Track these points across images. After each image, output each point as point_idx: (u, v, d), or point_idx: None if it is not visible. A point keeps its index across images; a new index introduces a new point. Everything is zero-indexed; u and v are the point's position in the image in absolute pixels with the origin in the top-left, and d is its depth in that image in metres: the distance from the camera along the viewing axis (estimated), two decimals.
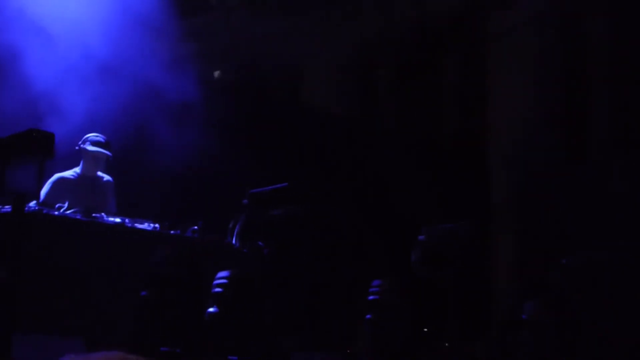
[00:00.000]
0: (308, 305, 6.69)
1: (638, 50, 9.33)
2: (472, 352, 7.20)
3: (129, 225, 5.86)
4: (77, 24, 6.83)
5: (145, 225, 5.93)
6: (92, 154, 6.40)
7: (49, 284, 5.40)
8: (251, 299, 5.60)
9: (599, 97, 9.72)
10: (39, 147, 5.71)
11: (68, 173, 6.45)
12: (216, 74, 8.65)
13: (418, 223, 6.68)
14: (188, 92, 7.30)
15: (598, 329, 6.34)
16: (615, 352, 6.22)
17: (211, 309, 5.53)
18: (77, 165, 6.48)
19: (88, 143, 6.41)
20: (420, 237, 6.51)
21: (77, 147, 6.43)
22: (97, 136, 6.45)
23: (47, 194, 6.21)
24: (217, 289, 5.55)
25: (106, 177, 6.55)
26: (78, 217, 5.70)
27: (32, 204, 5.59)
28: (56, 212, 5.66)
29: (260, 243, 6.26)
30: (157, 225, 5.96)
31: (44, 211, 5.59)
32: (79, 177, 6.44)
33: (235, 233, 6.24)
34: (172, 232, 6.01)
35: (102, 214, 5.86)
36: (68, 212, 5.71)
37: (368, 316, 6.21)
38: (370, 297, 6.23)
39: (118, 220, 5.87)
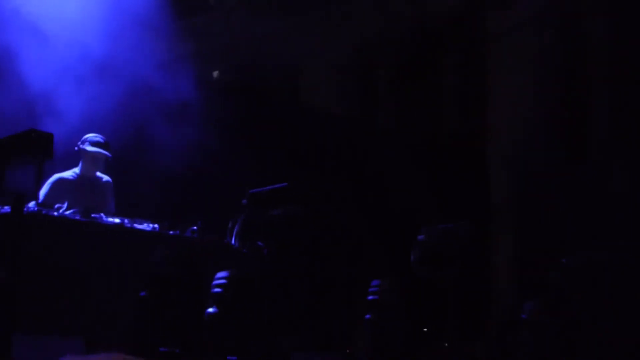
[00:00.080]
0: (308, 305, 6.68)
1: (638, 50, 9.33)
2: (472, 352, 7.21)
3: (128, 225, 5.85)
4: (75, 24, 6.83)
5: (144, 226, 5.93)
6: (92, 155, 6.40)
7: (49, 284, 5.39)
8: (251, 299, 5.61)
9: (599, 97, 9.72)
10: (38, 148, 5.72)
11: (67, 173, 6.44)
12: (215, 74, 8.65)
13: (418, 223, 6.68)
14: (187, 92, 7.30)
15: (598, 329, 6.34)
16: (615, 352, 6.22)
17: (211, 309, 5.53)
18: (75, 165, 6.47)
19: (87, 143, 6.41)
20: (420, 237, 6.52)
21: (76, 148, 6.42)
22: (96, 136, 6.45)
23: (47, 195, 6.21)
24: (217, 289, 5.56)
25: (105, 178, 6.55)
26: (77, 217, 5.70)
27: (32, 204, 5.59)
28: (55, 213, 5.66)
29: (259, 243, 6.26)
30: (156, 225, 5.96)
31: (43, 212, 5.59)
32: (78, 177, 6.43)
33: (234, 233, 6.24)
34: (171, 232, 6.00)
35: (101, 214, 5.86)
36: (67, 212, 5.71)
37: (368, 316, 6.21)
38: (370, 297, 6.24)
39: (117, 220, 5.86)
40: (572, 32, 9.86)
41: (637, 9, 9.29)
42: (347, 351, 6.61)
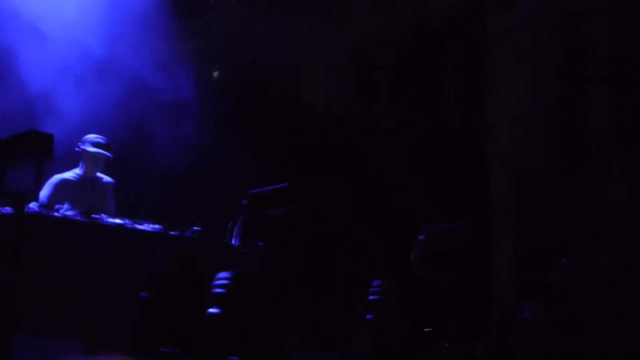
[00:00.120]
0: (308, 305, 6.68)
1: (638, 50, 9.32)
2: (472, 352, 7.21)
3: (129, 226, 5.86)
4: (74, 24, 6.83)
5: (145, 226, 5.93)
6: (92, 155, 6.40)
7: (49, 285, 5.42)
8: (251, 300, 5.61)
9: (599, 97, 9.72)
10: (38, 148, 5.73)
11: (68, 174, 6.44)
12: (215, 74, 8.65)
13: (418, 223, 6.68)
14: (187, 92, 7.31)
15: (598, 329, 6.34)
16: (615, 352, 6.21)
17: (211, 309, 5.54)
18: (75, 166, 6.47)
19: (88, 144, 6.41)
20: (420, 237, 6.52)
21: (76, 149, 6.43)
22: (96, 137, 6.45)
23: (49, 196, 6.21)
24: (218, 290, 5.57)
25: (106, 178, 6.55)
26: (78, 218, 5.71)
27: (32, 205, 5.60)
28: (56, 214, 5.66)
29: (260, 243, 6.26)
30: (157, 226, 5.96)
31: (44, 212, 5.60)
32: (79, 178, 6.43)
33: (235, 233, 6.24)
34: (171, 232, 6.00)
35: (102, 215, 5.87)
36: (68, 213, 5.71)
37: (369, 316, 6.22)
38: (371, 297, 6.24)
39: (118, 221, 5.87)
40: (573, 32, 9.86)
41: (637, 9, 9.29)
42: (347, 351, 6.61)
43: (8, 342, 4.86)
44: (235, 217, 6.30)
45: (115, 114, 6.97)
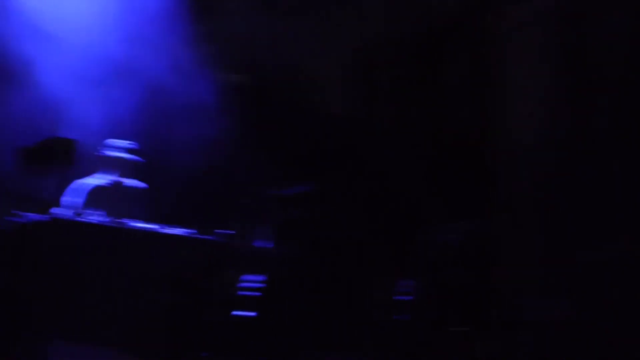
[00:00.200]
0: (335, 306, 6.69)
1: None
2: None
3: (159, 230, 5.91)
4: (92, 28, 6.86)
5: (175, 230, 5.98)
6: (118, 161, 6.44)
7: (79, 291, 5.48)
8: (279, 302, 5.69)
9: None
10: (61, 154, 5.83)
11: (97, 180, 6.49)
12: (234, 76, 8.66)
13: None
14: (206, 94, 7.32)
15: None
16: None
17: (241, 312, 5.61)
18: (96, 171, 6.51)
19: (114, 149, 6.45)
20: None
21: (101, 153, 6.47)
22: (122, 142, 6.50)
23: (76, 201, 6.24)
24: (247, 292, 5.63)
25: (135, 183, 6.60)
26: (107, 223, 5.77)
27: (56, 210, 5.67)
28: (84, 219, 5.72)
29: (287, 244, 6.30)
30: (187, 230, 6.01)
31: (72, 218, 5.67)
32: (107, 183, 6.46)
33: (262, 236, 6.28)
34: (199, 236, 6.06)
35: (131, 219, 5.92)
36: (96, 218, 5.78)
37: (396, 317, 6.28)
38: (399, 298, 6.30)
39: (148, 225, 5.93)
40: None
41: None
42: (373, 351, 6.64)
43: (45, 352, 4.98)
44: (261, 219, 6.35)
45: (135, 118, 6.99)
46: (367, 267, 7.86)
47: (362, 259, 8.06)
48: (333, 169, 8.66)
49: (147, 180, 6.63)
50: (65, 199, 6.07)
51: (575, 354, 6.34)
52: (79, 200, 6.26)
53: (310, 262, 6.51)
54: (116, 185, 6.47)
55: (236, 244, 6.16)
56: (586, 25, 9.94)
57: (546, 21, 9.99)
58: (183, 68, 7.30)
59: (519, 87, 10.20)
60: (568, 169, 9.74)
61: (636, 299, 6.54)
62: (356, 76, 11.01)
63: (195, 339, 5.65)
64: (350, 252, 7.80)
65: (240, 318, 5.65)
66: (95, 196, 6.28)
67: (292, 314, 5.94)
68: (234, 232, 6.18)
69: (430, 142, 10.33)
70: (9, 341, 5.30)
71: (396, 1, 10.32)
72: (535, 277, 8.68)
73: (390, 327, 6.32)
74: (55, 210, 5.73)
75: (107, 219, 5.86)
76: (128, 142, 6.56)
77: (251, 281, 5.74)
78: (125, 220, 5.89)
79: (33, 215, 5.63)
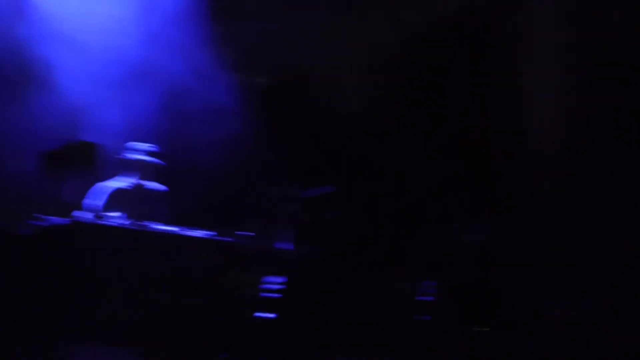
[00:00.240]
0: (356, 307, 6.73)
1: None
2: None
3: (180, 233, 5.94)
4: (112, 31, 6.86)
5: (195, 233, 6.02)
6: (140, 163, 6.46)
7: (101, 294, 5.51)
8: (301, 303, 5.73)
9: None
10: (84, 157, 5.84)
11: (118, 182, 6.51)
12: (254, 78, 8.64)
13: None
14: (225, 96, 7.33)
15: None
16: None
17: (261, 314, 5.65)
18: (120, 174, 6.52)
19: (135, 152, 6.47)
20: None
21: (121, 156, 6.48)
22: (144, 145, 6.51)
23: (98, 204, 6.27)
24: (268, 294, 5.68)
25: (156, 186, 6.62)
26: (129, 226, 5.80)
27: (79, 213, 5.69)
28: (106, 222, 5.75)
29: (308, 246, 6.34)
30: (207, 232, 6.04)
31: (94, 221, 5.70)
32: (128, 186, 6.48)
33: (282, 237, 6.32)
34: (219, 238, 6.09)
35: (152, 222, 5.95)
36: (119, 221, 5.80)
37: (417, 317, 6.34)
38: (420, 298, 6.36)
39: (169, 228, 5.95)
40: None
41: None
42: (391, 352, 6.69)
43: (67, 354, 5.01)
44: (281, 220, 6.39)
45: (155, 121, 7.00)
46: (387, 268, 7.91)
47: (382, 260, 8.11)
48: (352, 170, 8.68)
49: (168, 182, 6.65)
50: (87, 202, 6.07)
51: (596, 353, 6.39)
52: (100, 203, 6.29)
53: (331, 263, 6.54)
54: (137, 187, 6.50)
55: (256, 246, 6.20)
56: (601, 25, 9.98)
57: (560, 21, 10.01)
58: (202, 70, 7.32)
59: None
60: (591, 167, 9.76)
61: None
62: (375, 76, 10.98)
63: (215, 340, 5.69)
64: (371, 253, 7.85)
65: (260, 319, 5.68)
66: (117, 199, 6.31)
67: (312, 315, 5.98)
68: (254, 234, 6.20)
69: (447, 143, 10.36)
70: (29, 344, 5.31)
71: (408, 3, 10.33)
72: (559, 277, 8.73)
73: (412, 327, 6.37)
74: (76, 214, 5.75)
75: (128, 222, 5.88)
76: (148, 144, 6.57)
77: (272, 283, 5.77)
78: (146, 223, 5.92)
79: (55, 219, 5.65)
